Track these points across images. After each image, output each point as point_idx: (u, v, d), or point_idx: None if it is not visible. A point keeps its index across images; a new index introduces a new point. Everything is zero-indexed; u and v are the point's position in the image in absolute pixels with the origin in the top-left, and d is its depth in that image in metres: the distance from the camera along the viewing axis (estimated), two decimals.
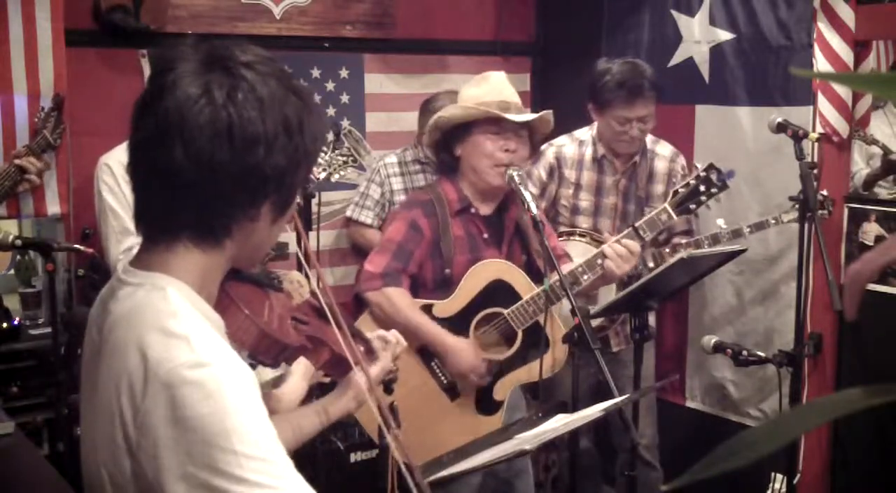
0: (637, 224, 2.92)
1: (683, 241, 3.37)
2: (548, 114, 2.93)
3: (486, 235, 2.96)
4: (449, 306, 2.90)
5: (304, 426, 1.71)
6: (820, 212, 3.06)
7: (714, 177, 2.93)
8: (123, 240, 3.08)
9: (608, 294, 3.30)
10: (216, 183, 1.22)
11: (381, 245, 2.95)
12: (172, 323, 1.20)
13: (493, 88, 2.89)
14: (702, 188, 2.93)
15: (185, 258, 1.26)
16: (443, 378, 2.94)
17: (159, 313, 1.21)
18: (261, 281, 1.48)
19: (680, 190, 2.95)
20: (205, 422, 1.14)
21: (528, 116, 2.91)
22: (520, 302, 2.88)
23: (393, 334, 1.85)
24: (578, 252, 3.26)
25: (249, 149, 1.22)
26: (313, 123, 1.31)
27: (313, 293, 1.65)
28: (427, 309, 2.90)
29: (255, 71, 1.25)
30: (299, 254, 1.73)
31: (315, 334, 1.58)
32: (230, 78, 1.23)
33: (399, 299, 2.87)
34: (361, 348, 1.75)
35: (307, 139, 1.29)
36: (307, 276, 1.70)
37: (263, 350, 1.39)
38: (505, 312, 2.90)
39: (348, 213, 3.92)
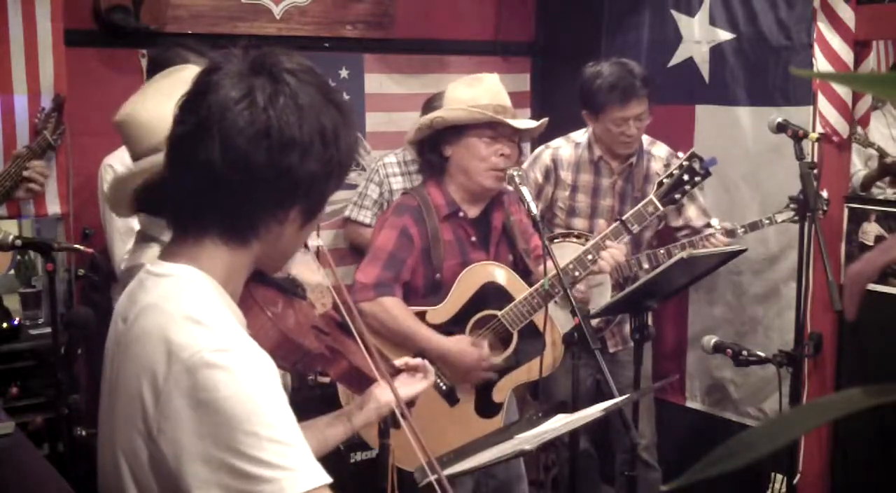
0: (624, 217, 2.92)
1: (678, 243, 3.36)
2: (545, 122, 2.94)
3: (473, 239, 2.94)
4: (442, 311, 2.89)
5: (330, 434, 1.74)
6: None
7: (697, 165, 2.93)
8: (128, 240, 3.08)
9: (602, 296, 3.30)
10: (249, 182, 1.26)
11: (371, 254, 2.91)
12: (196, 311, 1.23)
13: (489, 91, 2.87)
14: (685, 178, 2.93)
15: (212, 253, 1.30)
16: (441, 385, 2.92)
17: (184, 301, 1.25)
18: (285, 287, 1.49)
19: (664, 181, 2.94)
20: (227, 404, 1.16)
21: (530, 122, 2.90)
22: (513, 303, 2.88)
23: (424, 364, 1.86)
24: (573, 254, 3.25)
25: (285, 152, 1.26)
26: (349, 135, 1.34)
27: (336, 307, 1.65)
28: (420, 316, 2.88)
29: (298, 78, 1.29)
30: (318, 249, 1.72)
31: (335, 346, 1.59)
32: (273, 83, 1.27)
33: (393, 307, 2.85)
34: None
35: (342, 150, 1.32)
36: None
37: (283, 354, 1.39)
38: (499, 314, 2.89)
39: (346, 212, 3.91)
